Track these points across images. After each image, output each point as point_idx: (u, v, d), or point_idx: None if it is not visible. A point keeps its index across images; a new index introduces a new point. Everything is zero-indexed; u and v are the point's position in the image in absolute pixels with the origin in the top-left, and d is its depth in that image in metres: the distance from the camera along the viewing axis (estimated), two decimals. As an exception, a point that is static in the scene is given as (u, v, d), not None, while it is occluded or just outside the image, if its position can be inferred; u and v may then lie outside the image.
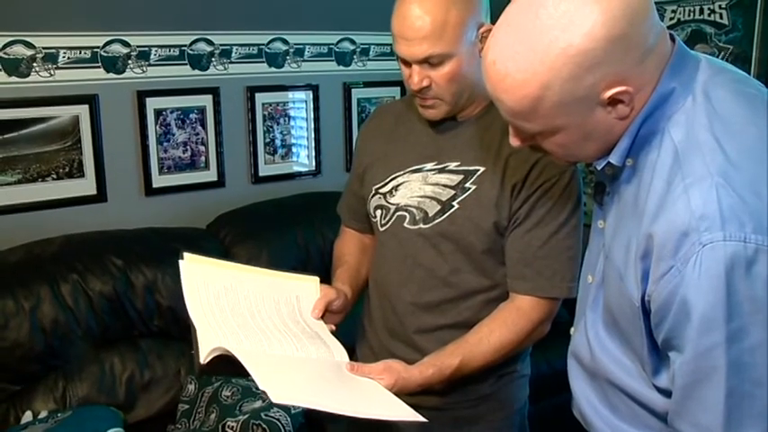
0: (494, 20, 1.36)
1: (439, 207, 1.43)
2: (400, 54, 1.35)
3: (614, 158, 1.00)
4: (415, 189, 1.46)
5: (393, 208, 1.49)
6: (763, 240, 0.85)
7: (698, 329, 0.88)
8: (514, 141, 1.06)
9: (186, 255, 1.36)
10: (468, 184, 1.41)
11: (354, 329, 1.66)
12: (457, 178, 1.42)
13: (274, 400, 1.11)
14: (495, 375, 1.49)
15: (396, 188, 1.49)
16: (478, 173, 1.41)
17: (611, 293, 1.06)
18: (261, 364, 1.19)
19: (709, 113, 0.94)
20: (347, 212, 1.69)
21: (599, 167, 1.04)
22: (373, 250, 1.61)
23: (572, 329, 1.22)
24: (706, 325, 0.87)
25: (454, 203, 1.41)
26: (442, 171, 1.44)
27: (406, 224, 1.46)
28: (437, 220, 1.43)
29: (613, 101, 0.93)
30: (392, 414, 1.22)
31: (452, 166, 1.43)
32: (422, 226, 1.44)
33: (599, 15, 0.88)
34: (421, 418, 1.19)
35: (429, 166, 1.46)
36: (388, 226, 1.50)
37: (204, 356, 1.21)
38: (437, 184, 1.44)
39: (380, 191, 1.51)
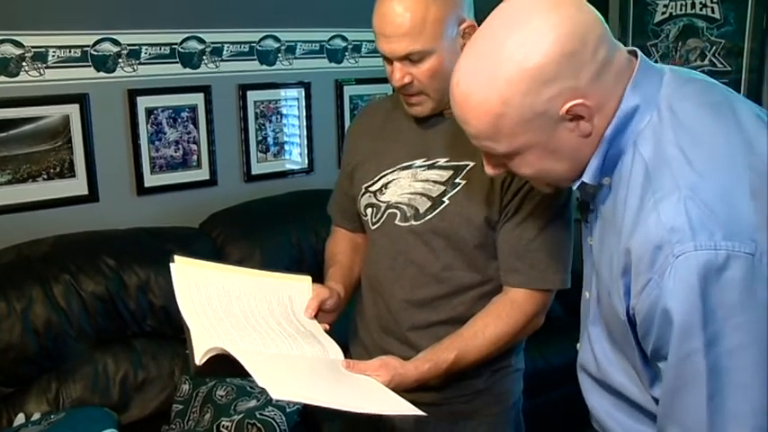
0: (480, 18, 1.36)
1: (429, 203, 1.42)
2: (381, 51, 1.36)
3: (587, 178, 1.03)
4: (405, 186, 1.45)
5: (383, 206, 1.48)
6: (734, 246, 0.87)
7: (678, 337, 0.90)
8: (489, 170, 1.11)
9: (177, 257, 1.36)
10: (458, 180, 1.41)
11: (348, 329, 1.66)
12: (446, 174, 1.42)
13: (274, 396, 1.11)
14: (490, 370, 1.49)
15: (386, 186, 1.48)
16: (468, 168, 1.41)
17: (604, 308, 1.08)
18: (259, 362, 1.19)
19: (674, 127, 0.96)
20: (338, 212, 1.68)
21: (574, 188, 1.06)
22: (365, 249, 1.61)
23: (578, 345, 1.23)
24: (685, 332, 0.89)
25: (445, 199, 1.41)
26: (431, 167, 1.44)
27: (397, 221, 1.46)
28: (428, 217, 1.42)
29: (574, 116, 0.96)
30: (391, 409, 1.22)
31: (442, 162, 1.43)
32: (413, 223, 1.44)
33: (552, 34, 0.93)
34: (420, 412, 1.19)
35: (418, 162, 1.45)
36: (379, 224, 1.50)
37: (200, 357, 1.20)
38: (427, 181, 1.43)
39: (370, 189, 1.51)
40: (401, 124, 1.50)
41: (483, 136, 1.01)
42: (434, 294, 1.46)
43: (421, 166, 1.45)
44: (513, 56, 0.94)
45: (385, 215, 1.48)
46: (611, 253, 1.01)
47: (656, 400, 1.02)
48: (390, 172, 1.48)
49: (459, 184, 1.41)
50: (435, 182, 1.43)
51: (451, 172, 1.42)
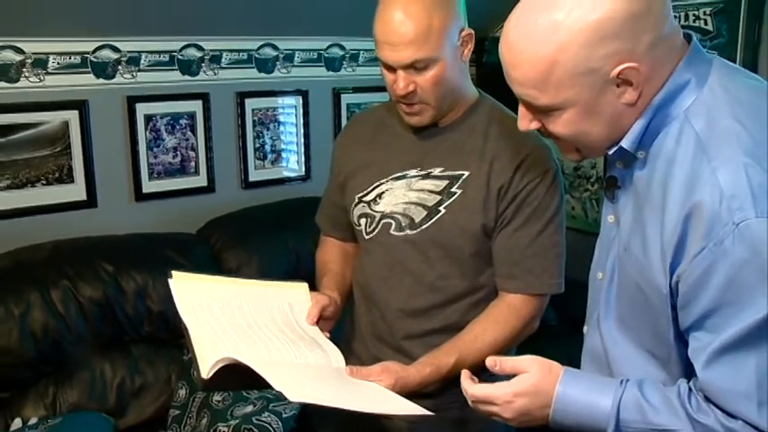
0: (476, 24, 1.39)
1: (425, 213, 1.44)
2: (385, 60, 1.35)
3: (626, 143, 1.03)
4: (400, 196, 1.47)
5: (378, 216, 1.49)
6: None
7: (738, 302, 0.89)
8: (523, 124, 1.08)
9: (174, 273, 1.36)
10: (453, 189, 1.43)
11: (339, 338, 1.66)
12: (442, 184, 1.44)
13: (291, 398, 1.13)
14: (485, 376, 1.50)
15: (380, 196, 1.49)
16: (463, 177, 1.43)
17: (625, 287, 1.08)
18: (271, 368, 1.21)
19: (729, 101, 0.98)
20: (327, 222, 1.69)
21: (610, 152, 1.05)
22: (356, 258, 1.62)
23: (585, 328, 1.23)
24: (748, 295, 0.89)
25: (441, 208, 1.43)
26: (426, 177, 1.45)
27: (392, 231, 1.47)
28: (424, 226, 1.44)
29: (623, 81, 0.96)
30: (400, 409, 1.25)
31: (436, 171, 1.45)
32: (408, 232, 1.45)
33: None
34: (427, 412, 1.22)
35: (413, 172, 1.47)
36: (373, 234, 1.51)
37: (207, 370, 1.21)
38: (422, 190, 1.45)
39: (364, 199, 1.52)
40: (394, 134, 1.52)
41: (529, 83, 0.99)
42: (429, 303, 1.47)
43: (415, 176, 1.46)
44: (579, 5, 0.93)
45: (380, 225, 1.49)
46: (648, 227, 1.01)
47: (686, 376, 1.02)
48: (384, 182, 1.49)
49: (456, 193, 1.42)
50: (431, 191, 1.44)
51: (447, 181, 1.43)
